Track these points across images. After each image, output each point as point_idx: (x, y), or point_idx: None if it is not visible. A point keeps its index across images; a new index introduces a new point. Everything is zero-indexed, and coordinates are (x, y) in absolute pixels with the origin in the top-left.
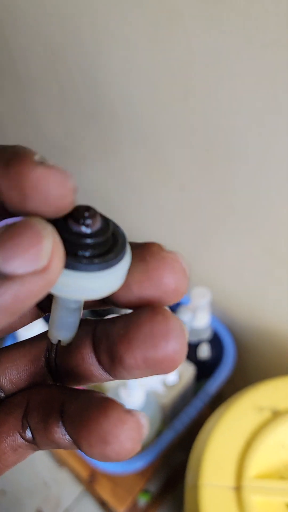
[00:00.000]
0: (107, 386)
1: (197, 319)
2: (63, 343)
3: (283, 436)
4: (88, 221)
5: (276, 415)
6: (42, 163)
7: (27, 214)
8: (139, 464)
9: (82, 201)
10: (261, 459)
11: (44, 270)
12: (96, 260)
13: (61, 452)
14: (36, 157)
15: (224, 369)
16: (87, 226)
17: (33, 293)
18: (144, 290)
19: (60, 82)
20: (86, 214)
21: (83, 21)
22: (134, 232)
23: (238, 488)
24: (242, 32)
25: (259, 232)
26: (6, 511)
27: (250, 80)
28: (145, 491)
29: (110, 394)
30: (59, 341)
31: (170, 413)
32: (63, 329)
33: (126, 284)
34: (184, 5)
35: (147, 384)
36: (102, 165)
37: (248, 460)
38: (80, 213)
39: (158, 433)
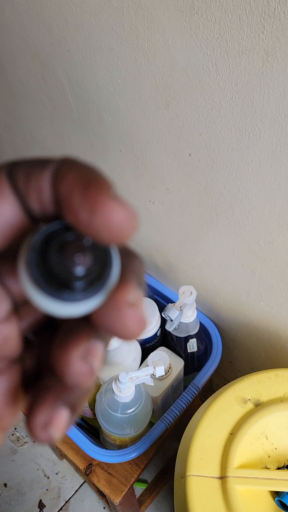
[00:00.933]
0: (101, 381)
1: (185, 315)
2: None
3: (265, 427)
4: (78, 260)
5: (259, 406)
6: (117, 198)
7: (84, 232)
8: (132, 455)
9: None
10: (245, 450)
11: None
12: (78, 296)
13: (61, 444)
14: (113, 191)
15: (212, 362)
16: (77, 265)
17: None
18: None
19: (48, 89)
20: (80, 257)
21: (70, 30)
22: None
23: (223, 478)
24: (218, 41)
25: (240, 232)
26: (9, 504)
27: (228, 87)
28: (141, 480)
29: (103, 388)
30: None
31: (162, 405)
32: None
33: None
34: (163, 16)
35: (138, 378)
36: None
37: (233, 451)
38: (73, 252)
39: (150, 425)
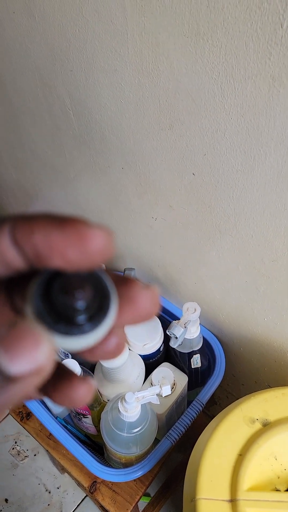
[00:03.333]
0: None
1: (189, 331)
2: None
3: (274, 448)
4: (80, 296)
5: (267, 426)
6: (91, 224)
7: (68, 263)
8: (138, 474)
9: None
10: (254, 471)
11: (41, 370)
12: (84, 328)
13: (63, 460)
14: (84, 220)
15: (215, 377)
16: (78, 300)
17: (27, 390)
18: (127, 317)
19: (51, 108)
20: (80, 294)
21: (73, 51)
22: (126, 250)
23: (233, 502)
24: (224, 65)
25: (244, 250)
26: None
27: (233, 110)
28: (144, 494)
29: (108, 407)
30: None
31: (166, 422)
32: None
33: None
34: (168, 40)
35: (144, 398)
36: (94, 186)
37: (242, 473)
38: (74, 288)
39: (155, 441)
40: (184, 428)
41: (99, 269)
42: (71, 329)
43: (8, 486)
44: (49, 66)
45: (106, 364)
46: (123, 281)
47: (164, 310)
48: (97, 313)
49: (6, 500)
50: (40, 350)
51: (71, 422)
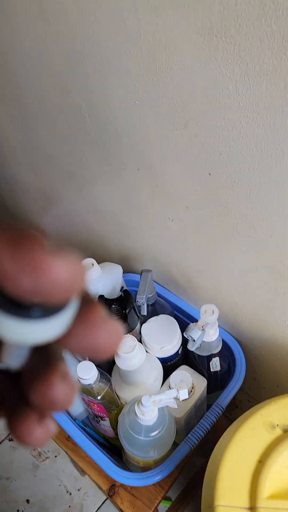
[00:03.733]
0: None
1: (207, 334)
2: (13, 369)
3: None
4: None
5: (287, 433)
6: (55, 251)
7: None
8: (156, 478)
9: (93, 219)
10: (275, 478)
11: None
12: (38, 312)
13: (82, 463)
14: (47, 244)
15: (235, 381)
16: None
17: None
18: (81, 345)
19: (67, 111)
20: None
21: (86, 53)
22: (143, 251)
23: (253, 509)
24: (238, 63)
25: (263, 251)
26: None
27: (248, 108)
28: (165, 498)
29: (126, 410)
30: (9, 366)
31: (185, 425)
32: (13, 357)
33: (67, 336)
34: (181, 39)
35: (161, 402)
36: (110, 188)
37: (262, 480)
38: None
39: (174, 445)
40: (203, 432)
41: None
42: (22, 311)
43: (29, 487)
44: (65, 70)
45: (123, 366)
46: (87, 301)
47: (182, 311)
48: (52, 308)
49: (28, 501)
50: None
51: (89, 425)
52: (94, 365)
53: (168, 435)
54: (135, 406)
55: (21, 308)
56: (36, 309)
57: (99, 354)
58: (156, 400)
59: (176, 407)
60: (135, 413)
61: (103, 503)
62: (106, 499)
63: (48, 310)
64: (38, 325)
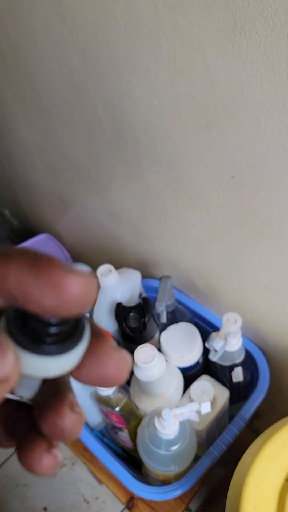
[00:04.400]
0: (142, 416)
1: (230, 343)
2: (25, 400)
3: None
4: (53, 320)
5: None
6: (70, 269)
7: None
8: (176, 493)
9: (111, 224)
10: None
11: (6, 380)
12: (53, 348)
13: (100, 474)
14: (62, 264)
15: (259, 392)
16: (52, 323)
17: None
18: (91, 375)
19: (83, 112)
20: (53, 318)
21: (104, 53)
22: (162, 257)
23: None
24: (264, 60)
25: None
26: None
27: (274, 107)
28: (186, 509)
29: (145, 422)
30: (21, 397)
31: (206, 438)
32: (26, 389)
33: (78, 368)
34: (202, 36)
35: (182, 415)
36: (128, 191)
37: None
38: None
39: (195, 458)
40: (225, 445)
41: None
42: (37, 347)
43: (47, 495)
44: (82, 70)
45: (142, 377)
46: (95, 334)
47: (203, 319)
48: (67, 340)
49: (45, 509)
50: (5, 360)
51: (107, 435)
52: None
53: (189, 448)
54: (155, 419)
55: (38, 344)
56: (52, 346)
57: (107, 384)
58: (177, 414)
59: (198, 420)
60: (155, 427)
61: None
62: (124, 508)
63: (64, 345)
64: (54, 360)
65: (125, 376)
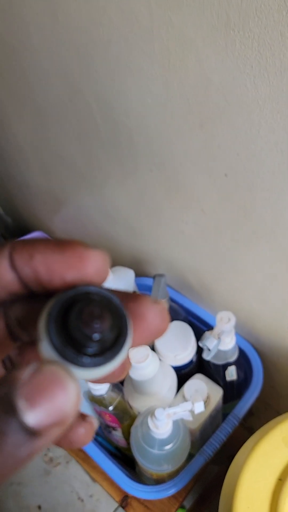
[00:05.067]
0: (135, 415)
1: (223, 342)
2: None
3: None
4: (97, 326)
5: None
6: (88, 246)
7: (71, 282)
8: (170, 491)
9: (104, 222)
10: None
11: (66, 420)
12: (97, 360)
13: (94, 473)
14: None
15: (252, 391)
16: (95, 330)
17: (49, 442)
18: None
19: (77, 111)
20: (97, 323)
21: (97, 51)
22: (156, 255)
23: None
24: (257, 58)
25: (283, 258)
26: None
27: (268, 106)
28: (180, 507)
29: (138, 422)
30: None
31: (200, 436)
32: None
33: None
34: (196, 35)
35: (176, 414)
36: (122, 190)
37: (283, 499)
38: (91, 319)
39: (189, 458)
40: (218, 444)
41: (112, 294)
42: (78, 359)
43: (41, 493)
44: (75, 68)
45: (136, 376)
46: (132, 297)
47: (197, 318)
48: (114, 344)
49: (40, 507)
50: (68, 398)
51: (101, 434)
52: None
53: (183, 447)
54: (148, 418)
55: (79, 354)
56: (92, 357)
57: (156, 336)
58: (170, 413)
59: (192, 419)
60: (148, 426)
61: (115, 510)
62: (118, 507)
63: (104, 356)
64: (92, 371)
65: (167, 324)
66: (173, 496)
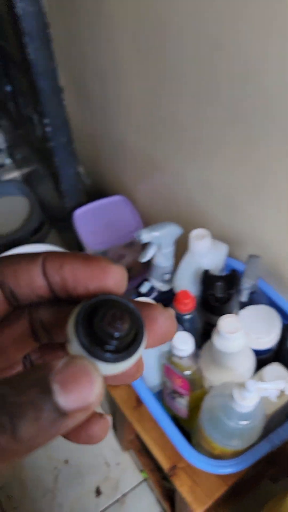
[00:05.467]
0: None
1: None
2: None
3: None
4: (119, 326)
5: None
6: (110, 261)
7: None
8: (229, 469)
9: (199, 193)
10: None
11: (91, 407)
12: (118, 356)
13: (145, 437)
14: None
15: None
16: (117, 329)
17: (75, 424)
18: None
19: (208, 68)
20: (119, 324)
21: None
22: (250, 235)
23: None
24: None
25: None
26: (69, 482)
27: None
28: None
29: (216, 392)
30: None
31: (266, 424)
32: None
33: None
34: None
35: (266, 390)
36: (236, 160)
37: None
38: (114, 320)
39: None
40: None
41: (129, 301)
42: (101, 354)
43: (70, 449)
44: (217, 25)
45: (222, 347)
46: (145, 305)
47: (280, 309)
48: (132, 343)
49: (66, 462)
50: (94, 389)
51: (161, 400)
52: (191, 337)
53: (258, 428)
54: (234, 390)
55: (102, 351)
56: (114, 354)
57: (164, 340)
58: (261, 387)
59: (276, 400)
60: (233, 397)
61: (139, 483)
62: (142, 481)
63: (125, 352)
64: (113, 365)
65: (175, 329)
66: (222, 478)
